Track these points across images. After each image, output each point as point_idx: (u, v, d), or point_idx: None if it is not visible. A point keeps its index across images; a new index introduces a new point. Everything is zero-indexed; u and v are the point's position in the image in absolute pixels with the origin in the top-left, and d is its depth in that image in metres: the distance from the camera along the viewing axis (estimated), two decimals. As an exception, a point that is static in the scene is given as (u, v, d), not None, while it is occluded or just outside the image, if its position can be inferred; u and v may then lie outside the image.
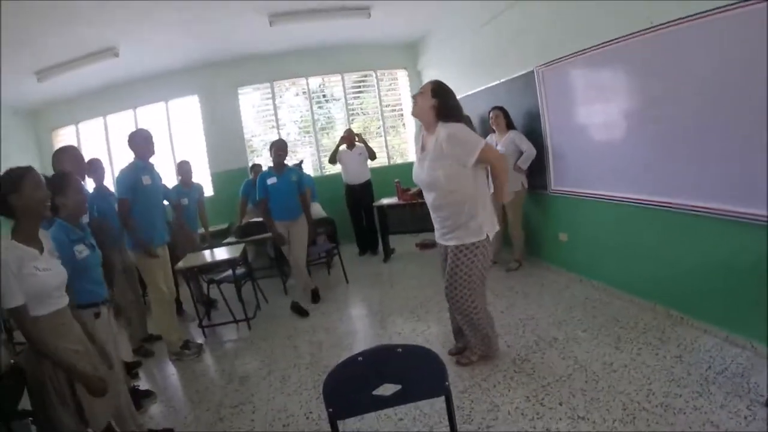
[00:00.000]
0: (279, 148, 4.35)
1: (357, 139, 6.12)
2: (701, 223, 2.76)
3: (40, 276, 1.77)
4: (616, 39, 3.14)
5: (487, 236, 2.60)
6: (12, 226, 1.83)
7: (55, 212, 2.24)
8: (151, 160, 3.76)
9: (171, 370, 3.66)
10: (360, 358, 1.35)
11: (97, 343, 2.15)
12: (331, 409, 1.34)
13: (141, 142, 3.65)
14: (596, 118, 3.61)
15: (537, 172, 4.36)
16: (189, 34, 5.42)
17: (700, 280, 2.87)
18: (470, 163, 2.48)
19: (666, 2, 2.69)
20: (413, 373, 1.37)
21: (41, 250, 1.86)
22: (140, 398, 3.06)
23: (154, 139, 3.73)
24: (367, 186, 6.15)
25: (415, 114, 2.70)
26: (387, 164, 7.44)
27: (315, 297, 4.58)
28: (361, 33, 6.37)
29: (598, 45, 3.32)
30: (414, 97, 2.71)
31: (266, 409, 2.81)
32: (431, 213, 2.76)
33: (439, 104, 2.57)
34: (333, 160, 6.17)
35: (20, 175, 1.79)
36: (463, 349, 2.97)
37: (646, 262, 3.33)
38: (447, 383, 1.36)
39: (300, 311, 4.36)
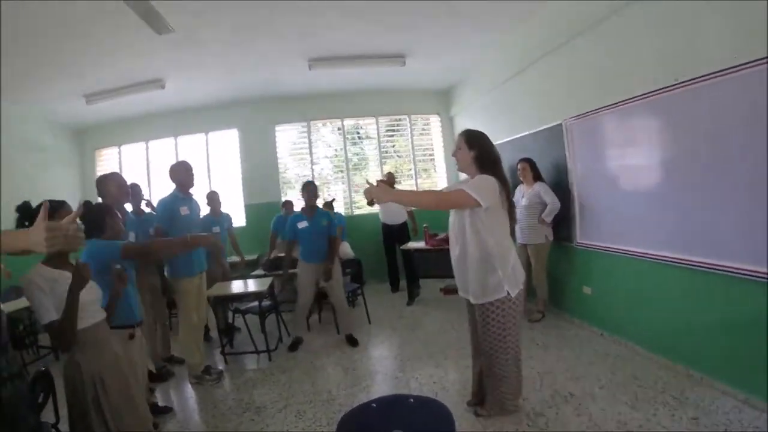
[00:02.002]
0: (311, 193, 4.51)
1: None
2: (726, 283, 2.75)
3: None
4: (643, 95, 3.24)
5: (508, 293, 2.51)
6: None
7: (90, 236, 2.40)
8: (191, 191, 3.96)
9: (190, 392, 3.76)
10: (374, 405, 1.43)
11: (130, 361, 2.29)
12: (342, 451, 1.41)
13: (182, 173, 3.86)
14: (623, 172, 3.66)
15: (563, 224, 4.41)
16: (233, 72, 5.81)
17: (722, 340, 2.85)
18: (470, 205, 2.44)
19: (691, 59, 2.81)
20: (423, 424, 1.43)
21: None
22: (158, 413, 3.20)
23: (193, 171, 3.93)
24: (403, 227, 6.40)
25: (460, 170, 2.72)
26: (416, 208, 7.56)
27: (353, 341, 4.55)
28: (395, 79, 6.64)
29: (626, 100, 3.42)
30: (453, 154, 2.72)
31: (279, 441, 2.86)
32: (453, 266, 2.73)
33: (478, 154, 2.57)
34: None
35: (54, 211, 1.91)
36: (481, 399, 2.94)
37: (668, 320, 3.31)
38: (454, 437, 1.42)
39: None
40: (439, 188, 7.45)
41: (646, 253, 3.44)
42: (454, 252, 2.69)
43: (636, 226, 3.53)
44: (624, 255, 3.70)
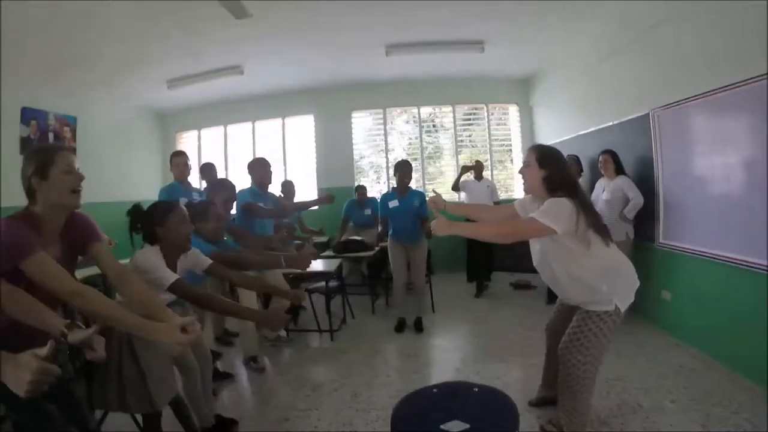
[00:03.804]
0: (405, 173, 4.40)
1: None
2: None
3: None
4: (740, 82, 2.91)
5: (617, 308, 2.28)
6: None
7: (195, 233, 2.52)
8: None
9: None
10: (435, 390, 1.37)
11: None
12: (396, 433, 1.37)
13: (260, 170, 3.94)
14: (716, 169, 3.32)
15: (645, 222, 4.09)
16: (310, 59, 5.90)
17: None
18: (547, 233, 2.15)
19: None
20: (485, 415, 1.36)
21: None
22: (219, 379, 3.34)
23: (271, 168, 4.02)
24: None
25: (527, 190, 2.45)
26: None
27: (419, 326, 4.50)
28: (474, 66, 6.45)
29: (720, 88, 3.09)
30: (521, 170, 2.44)
31: (332, 419, 2.87)
32: (547, 283, 2.54)
33: (549, 175, 2.27)
34: (457, 187, 6.14)
35: (167, 210, 2.04)
36: (543, 400, 2.82)
37: (752, 336, 2.97)
38: (518, 433, 1.33)
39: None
40: (516, 180, 7.25)
41: (734, 258, 3.11)
42: (544, 275, 2.47)
43: (726, 228, 3.20)
44: (712, 259, 3.37)
